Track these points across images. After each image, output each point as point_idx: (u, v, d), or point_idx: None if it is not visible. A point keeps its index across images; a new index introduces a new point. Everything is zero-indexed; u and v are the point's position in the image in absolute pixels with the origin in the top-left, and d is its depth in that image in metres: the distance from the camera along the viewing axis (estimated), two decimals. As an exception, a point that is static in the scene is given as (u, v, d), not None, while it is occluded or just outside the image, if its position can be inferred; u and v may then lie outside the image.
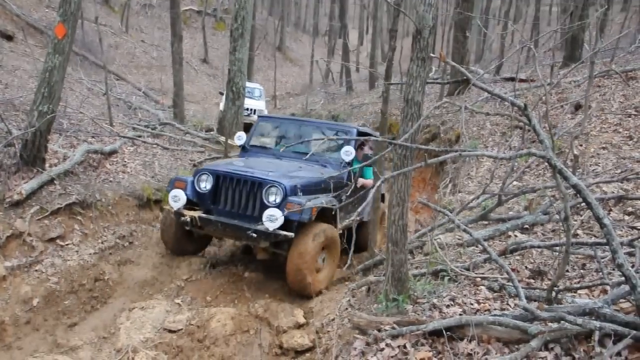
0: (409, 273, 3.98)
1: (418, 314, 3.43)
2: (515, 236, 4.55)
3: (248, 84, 12.64)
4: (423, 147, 2.95)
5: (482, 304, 3.44)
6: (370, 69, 15.83)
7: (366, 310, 4.39)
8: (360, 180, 6.21)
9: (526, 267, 3.95)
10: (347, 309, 4.88)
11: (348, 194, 5.42)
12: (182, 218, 5.21)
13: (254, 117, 13.91)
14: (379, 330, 3.28)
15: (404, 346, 3.07)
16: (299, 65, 32.77)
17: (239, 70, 10.22)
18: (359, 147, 6.33)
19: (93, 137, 8.13)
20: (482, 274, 3.90)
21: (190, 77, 21.23)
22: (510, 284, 3.47)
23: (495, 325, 2.90)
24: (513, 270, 3.83)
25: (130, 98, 13.72)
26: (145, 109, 12.88)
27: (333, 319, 4.82)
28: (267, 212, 4.76)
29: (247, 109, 12.82)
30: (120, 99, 12.90)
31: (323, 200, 5.12)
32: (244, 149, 6.65)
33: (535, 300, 3.36)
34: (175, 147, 9.58)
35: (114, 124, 9.30)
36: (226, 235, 5.49)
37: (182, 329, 4.44)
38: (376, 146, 6.65)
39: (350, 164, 5.84)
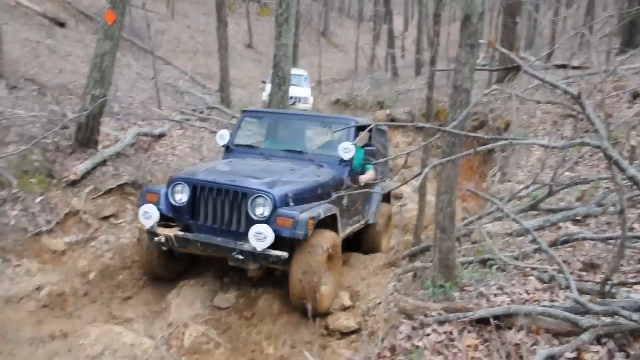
0: (456, 260, 3.98)
1: (465, 302, 3.43)
2: (567, 227, 4.45)
3: (293, 70, 12.68)
4: (472, 134, 2.92)
5: (530, 295, 3.41)
6: (416, 55, 15.60)
7: (412, 296, 4.42)
8: (362, 178, 5.59)
9: (577, 260, 3.88)
10: (392, 293, 4.92)
11: (348, 195, 5.09)
12: (156, 238, 4.42)
13: (300, 106, 13.92)
14: (425, 316, 3.29)
15: (451, 332, 3.08)
16: (344, 51, 32.60)
17: (284, 55, 10.25)
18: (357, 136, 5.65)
19: (143, 120, 8.39)
20: (532, 264, 3.86)
21: (236, 62, 21.44)
22: (561, 275, 3.43)
23: (544, 316, 2.87)
24: (564, 262, 3.77)
25: (178, 82, 14.01)
26: (192, 93, 13.13)
27: (379, 303, 4.88)
28: (254, 230, 4.03)
29: (291, 97, 12.84)
30: (168, 84, 13.19)
31: (321, 210, 4.40)
32: (228, 149, 5.78)
33: (586, 294, 3.31)
34: (222, 131, 9.77)
35: (162, 107, 9.55)
36: (209, 254, 4.61)
37: (230, 307, 4.58)
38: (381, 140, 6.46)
39: (349, 162, 5.29)
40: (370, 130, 5.92)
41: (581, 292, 3.30)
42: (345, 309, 4.99)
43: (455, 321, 3.12)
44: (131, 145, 7.01)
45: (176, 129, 8.78)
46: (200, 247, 4.38)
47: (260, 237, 3.99)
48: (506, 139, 3.07)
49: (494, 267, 3.87)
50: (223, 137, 5.65)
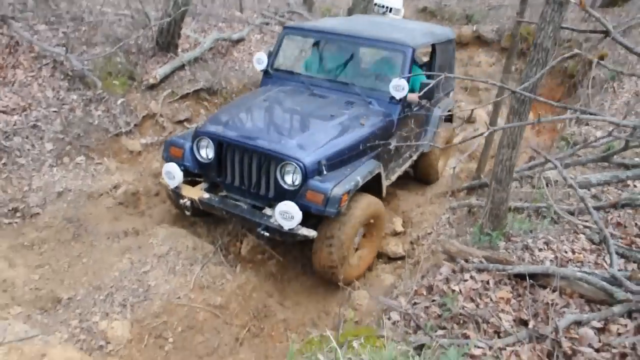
0: (509, 205, 3.96)
1: (509, 252, 3.49)
2: (635, 187, 4.27)
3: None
4: (542, 99, 2.79)
5: (576, 254, 3.41)
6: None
7: (460, 236, 4.51)
8: (410, 96, 4.73)
9: (636, 224, 3.76)
10: (445, 225, 5.02)
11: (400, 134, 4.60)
12: (181, 201, 4.07)
13: (391, 17, 13.07)
14: (467, 261, 3.39)
15: (487, 282, 3.18)
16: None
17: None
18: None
19: (223, 22, 8.43)
20: (586, 221, 3.79)
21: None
22: (613, 240, 3.38)
23: (581, 281, 2.89)
24: (619, 225, 3.68)
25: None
26: (276, -6, 12.88)
27: (430, 233, 5.00)
28: (280, 208, 3.60)
29: (382, 6, 12.13)
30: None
31: (359, 176, 3.88)
32: (267, 74, 5.16)
33: (635, 262, 3.27)
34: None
35: (243, 9, 9.50)
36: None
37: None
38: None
39: (402, 100, 4.60)
40: (434, 50, 5.50)
41: (629, 260, 3.28)
42: (396, 234, 5.18)
43: (494, 272, 3.20)
44: (209, 49, 7.14)
45: (255, 33, 8.76)
46: (226, 215, 4.00)
47: (287, 217, 3.59)
48: (575, 110, 2.92)
49: (546, 220, 3.84)
50: (261, 61, 5.08)
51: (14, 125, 4.71)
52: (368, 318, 3.80)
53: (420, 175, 6.02)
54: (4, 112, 4.73)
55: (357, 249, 4.23)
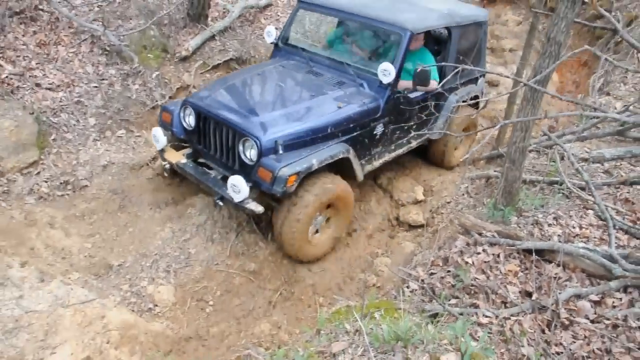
0: (524, 178, 4.17)
1: (519, 227, 3.75)
2: (647, 162, 4.44)
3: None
4: (551, 93, 2.96)
5: (583, 229, 3.65)
6: None
7: (478, 204, 4.78)
8: (402, 83, 4.67)
9: (645, 201, 3.97)
10: (463, 195, 5.28)
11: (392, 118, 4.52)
12: (162, 162, 4.46)
13: None
14: (480, 235, 3.68)
15: (498, 255, 3.47)
16: None
17: None
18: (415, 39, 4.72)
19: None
20: (597, 196, 4.00)
21: None
22: (619, 218, 3.62)
23: (584, 258, 3.16)
24: (627, 202, 3.89)
25: None
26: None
27: (449, 202, 5.26)
28: (230, 181, 3.80)
29: None
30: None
31: (315, 160, 3.88)
32: (277, 47, 5.31)
33: (638, 239, 3.51)
34: None
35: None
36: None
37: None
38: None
39: (390, 85, 4.48)
40: (449, 33, 5.14)
41: (634, 236, 3.52)
42: (417, 202, 5.44)
43: (505, 246, 3.49)
44: (238, 17, 7.30)
45: (282, -4, 8.83)
46: (195, 181, 4.27)
47: (236, 190, 3.78)
48: (580, 104, 3.08)
49: (558, 195, 4.07)
50: (270, 34, 5.22)
51: (60, 101, 5.06)
52: (389, 284, 4.15)
53: (433, 161, 5.88)
54: (50, 89, 5.08)
55: (317, 231, 4.31)
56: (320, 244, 4.34)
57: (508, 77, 2.93)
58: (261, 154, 3.81)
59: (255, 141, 3.81)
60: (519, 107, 3.48)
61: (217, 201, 4.04)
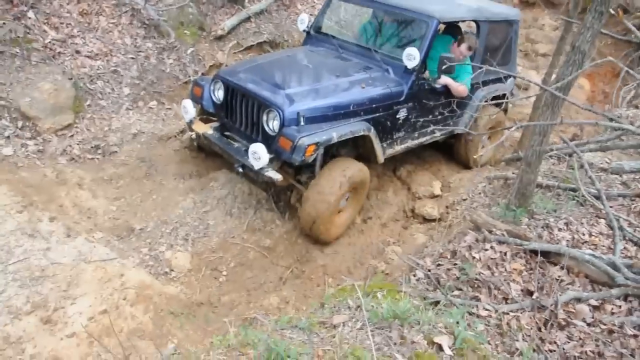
0: (541, 182, 4.23)
1: (529, 229, 3.82)
2: (666, 176, 4.45)
3: None
4: (571, 100, 3.01)
5: (592, 237, 3.71)
6: None
7: (493, 204, 4.83)
8: (446, 81, 4.91)
9: (660, 213, 4.00)
10: (480, 193, 5.33)
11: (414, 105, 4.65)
12: (190, 133, 4.68)
13: None
14: (490, 232, 3.76)
15: (505, 254, 3.55)
16: None
17: None
18: (459, 43, 5.02)
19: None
20: (611, 207, 4.04)
21: None
22: (630, 229, 3.66)
23: (588, 263, 3.23)
24: (640, 213, 3.93)
25: None
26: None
27: (465, 199, 5.33)
28: (251, 148, 3.95)
29: None
30: None
31: (335, 133, 4.03)
32: (309, 35, 5.47)
33: (647, 249, 3.55)
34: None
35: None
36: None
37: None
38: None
39: (415, 71, 4.62)
40: (478, 28, 5.22)
41: (641, 247, 3.56)
42: (434, 197, 5.52)
43: (513, 245, 3.57)
44: (274, 1, 7.42)
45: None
46: (219, 151, 4.44)
47: (256, 157, 3.93)
48: (602, 114, 3.12)
49: (572, 201, 4.11)
50: (303, 21, 5.36)
51: (97, 69, 5.27)
52: (397, 272, 4.25)
53: (456, 158, 5.98)
54: (89, 57, 5.29)
55: (339, 211, 4.49)
56: (340, 224, 4.53)
57: (530, 81, 3.00)
58: (283, 124, 3.98)
59: (278, 112, 3.99)
60: (539, 112, 3.53)
61: (238, 168, 4.20)
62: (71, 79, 5.01)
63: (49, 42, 5.16)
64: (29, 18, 5.18)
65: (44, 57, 4.99)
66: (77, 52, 5.29)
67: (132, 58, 5.55)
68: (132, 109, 5.31)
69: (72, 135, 4.85)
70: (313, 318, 2.34)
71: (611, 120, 3.35)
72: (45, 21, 5.28)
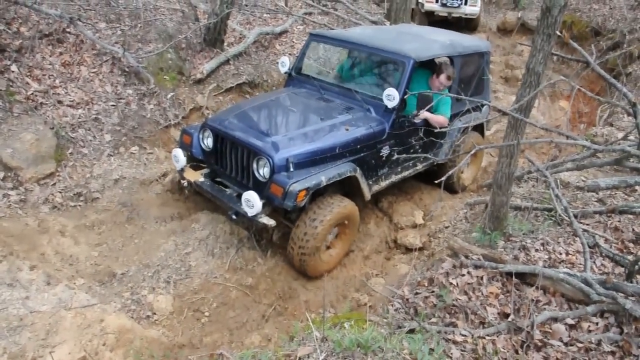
0: (518, 204, 4.28)
1: (506, 252, 3.84)
2: (640, 193, 4.50)
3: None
4: (529, 120, 3.08)
5: (569, 256, 3.73)
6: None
7: (475, 230, 4.86)
8: (425, 115, 4.98)
9: (633, 230, 4.02)
10: (462, 220, 5.37)
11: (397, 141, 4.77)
12: (182, 181, 4.75)
13: (466, 9, 11.87)
14: (467, 257, 3.78)
15: (481, 278, 3.56)
16: None
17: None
18: (437, 74, 5.15)
19: (267, 14, 8.86)
20: (588, 224, 4.08)
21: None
22: (606, 245, 3.68)
23: (563, 282, 3.24)
24: (616, 230, 3.96)
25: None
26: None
27: (447, 227, 5.35)
28: (244, 196, 4.07)
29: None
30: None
31: (324, 177, 4.17)
32: (290, 77, 5.60)
33: (622, 266, 3.57)
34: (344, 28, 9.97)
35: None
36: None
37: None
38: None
39: (395, 110, 4.74)
40: (452, 63, 5.30)
41: (618, 264, 3.59)
42: (415, 226, 5.54)
43: (489, 269, 3.58)
44: (253, 43, 7.60)
45: (298, 24, 9.13)
46: (212, 198, 4.56)
47: (249, 204, 4.05)
48: (554, 132, 3.20)
49: (547, 222, 4.14)
50: (284, 64, 5.51)
51: (79, 118, 5.36)
52: (380, 303, 4.25)
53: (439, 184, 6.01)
54: (71, 106, 5.39)
55: (328, 247, 4.59)
56: (330, 259, 4.61)
57: (495, 107, 3.08)
58: (273, 171, 4.10)
59: (268, 159, 4.11)
60: (504, 135, 3.61)
61: (232, 216, 4.30)
62: (53, 128, 5.09)
63: (31, 93, 5.26)
64: (12, 72, 5.31)
65: (26, 109, 5.08)
66: (59, 102, 5.40)
67: (113, 105, 5.65)
68: (113, 155, 5.38)
69: (54, 184, 4.89)
70: (279, 351, 2.34)
71: (567, 137, 3.41)
72: (28, 73, 5.41)
